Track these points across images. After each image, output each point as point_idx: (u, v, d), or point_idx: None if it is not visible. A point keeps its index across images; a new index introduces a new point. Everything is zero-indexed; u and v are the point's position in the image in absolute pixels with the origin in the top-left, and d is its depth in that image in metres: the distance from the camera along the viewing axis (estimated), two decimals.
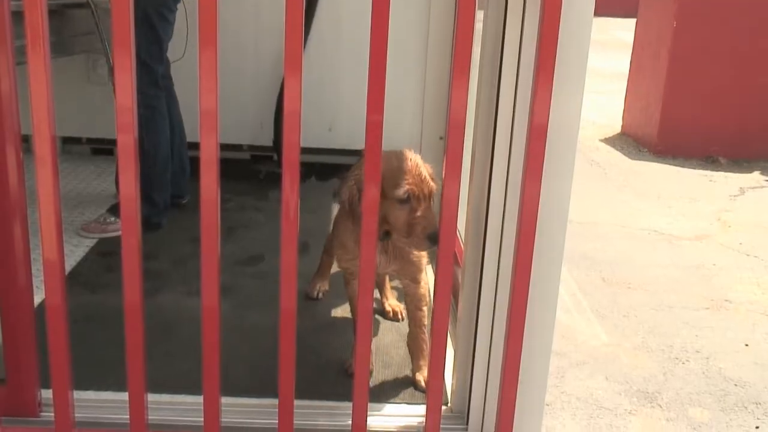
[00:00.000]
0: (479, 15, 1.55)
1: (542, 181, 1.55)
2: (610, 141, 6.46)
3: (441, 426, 1.68)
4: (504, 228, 1.68)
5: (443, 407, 1.75)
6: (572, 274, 3.50)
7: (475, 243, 1.74)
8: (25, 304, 1.68)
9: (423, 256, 2.05)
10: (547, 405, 2.37)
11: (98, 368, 1.97)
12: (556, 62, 1.49)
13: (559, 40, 1.47)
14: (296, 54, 1.44)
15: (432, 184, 1.87)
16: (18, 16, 1.50)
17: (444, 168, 1.54)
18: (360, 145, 4.27)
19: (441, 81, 2.99)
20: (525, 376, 1.67)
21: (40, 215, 1.51)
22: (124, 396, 1.63)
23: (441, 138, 3.02)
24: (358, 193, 1.89)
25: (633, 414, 2.40)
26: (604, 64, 9.45)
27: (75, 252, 2.85)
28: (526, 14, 1.56)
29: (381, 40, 1.44)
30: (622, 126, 6.70)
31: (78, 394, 1.69)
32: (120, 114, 1.49)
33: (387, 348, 2.26)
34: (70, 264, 2.72)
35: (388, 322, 2.43)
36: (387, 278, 2.49)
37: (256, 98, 4.13)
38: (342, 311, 2.47)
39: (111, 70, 2.98)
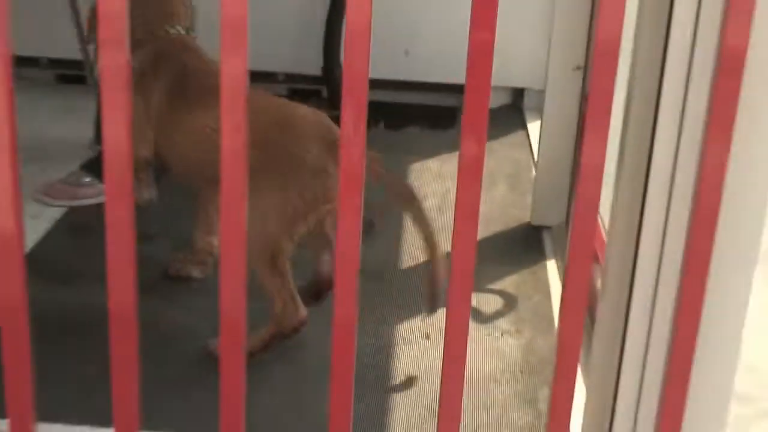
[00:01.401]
0: None
1: (732, 140, 1.53)
2: None
3: None
4: (670, 210, 1.67)
5: None
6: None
7: (625, 232, 1.73)
8: None
9: None
10: None
11: (72, 392, 2.04)
12: None
13: None
14: None
15: None
16: None
17: (587, 117, 1.54)
18: (450, 76, 4.33)
19: None
20: (691, 428, 1.67)
21: None
22: None
23: (578, 68, 2.98)
24: None
25: None
26: None
27: (34, 226, 2.94)
28: None
29: None
30: None
31: (43, 428, 1.75)
32: (103, 25, 1.51)
33: (485, 381, 2.28)
34: (27, 244, 2.80)
35: (489, 341, 2.44)
36: None
37: (297, 9, 4.17)
38: (420, 323, 2.50)
39: None
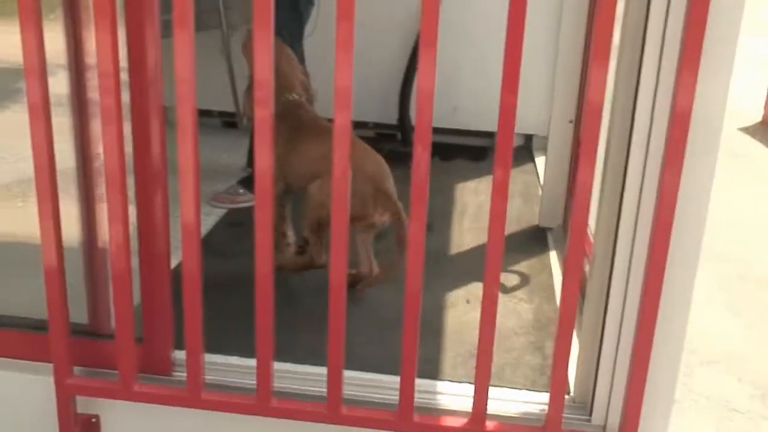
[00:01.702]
0: None
1: (682, 172, 1.49)
2: (750, 131, 6.15)
3: (563, 415, 1.67)
4: (638, 219, 1.63)
5: (566, 396, 1.73)
6: (707, 269, 3.36)
7: (606, 233, 1.69)
8: (162, 268, 1.77)
9: None
10: (675, 402, 2.30)
11: (226, 334, 2.06)
12: (704, 43, 1.42)
13: (708, 18, 1.41)
14: (432, 30, 1.44)
15: None
16: None
17: (580, 154, 1.51)
18: (484, 125, 4.29)
19: (572, 60, 2.92)
20: (654, 371, 1.63)
21: (181, 184, 1.58)
22: (252, 362, 1.70)
23: (570, 122, 2.95)
24: None
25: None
26: (745, 48, 8.97)
27: (206, 221, 2.97)
28: None
29: (519, 17, 1.42)
30: (764, 116, 6.35)
31: (208, 357, 1.77)
32: (258, 89, 1.54)
33: (507, 333, 2.25)
34: (201, 232, 2.84)
35: (510, 305, 2.42)
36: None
37: (382, 74, 4.17)
38: (463, 292, 2.48)
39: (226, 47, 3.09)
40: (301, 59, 3.16)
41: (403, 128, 4.21)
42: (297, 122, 2.58)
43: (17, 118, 1.83)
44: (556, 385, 1.65)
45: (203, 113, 4.35)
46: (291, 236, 2.69)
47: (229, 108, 3.92)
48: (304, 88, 2.73)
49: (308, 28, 3.15)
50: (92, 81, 1.69)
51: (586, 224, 1.57)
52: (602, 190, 1.69)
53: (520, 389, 1.96)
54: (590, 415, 1.78)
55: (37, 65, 1.55)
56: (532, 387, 1.97)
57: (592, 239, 1.83)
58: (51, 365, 1.76)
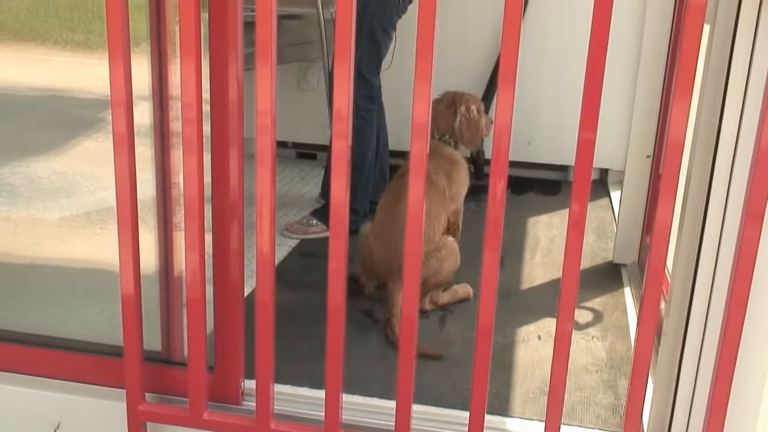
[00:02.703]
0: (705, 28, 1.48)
1: (766, 211, 1.45)
2: None
3: None
4: (719, 258, 1.58)
5: None
6: None
7: (684, 272, 1.65)
8: (236, 297, 1.79)
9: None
10: None
11: (295, 364, 2.07)
12: None
13: None
14: (511, 66, 1.44)
15: None
16: (248, 26, 1.62)
17: (660, 190, 1.48)
18: (558, 159, 4.26)
19: (651, 95, 2.87)
20: (732, 415, 1.57)
21: (257, 213, 1.60)
22: (320, 393, 1.71)
23: (648, 156, 2.89)
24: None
25: None
26: None
27: (278, 251, 3.00)
28: (759, 27, 1.46)
29: (600, 54, 1.41)
30: None
31: (277, 387, 1.78)
32: (336, 121, 1.55)
33: (579, 371, 2.20)
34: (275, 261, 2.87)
35: (582, 343, 2.37)
36: None
37: None
38: (534, 328, 2.44)
39: (328, 78, 3.15)
40: (378, 93, 3.19)
41: (476, 163, 4.20)
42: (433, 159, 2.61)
43: (100, 147, 1.90)
44: (630, 425, 1.61)
45: (278, 144, 4.47)
46: None
47: (304, 139, 4.00)
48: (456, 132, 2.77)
49: (386, 62, 3.17)
50: (175, 112, 1.73)
51: (664, 262, 1.53)
52: (681, 228, 1.65)
53: (592, 428, 1.91)
54: None
55: (124, 96, 1.60)
56: (604, 426, 1.92)
57: (668, 277, 1.78)
58: (124, 391, 1.80)
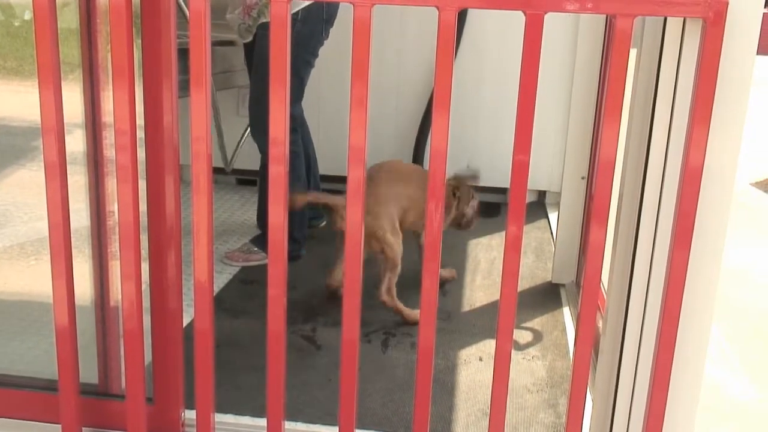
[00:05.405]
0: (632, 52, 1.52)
1: (694, 228, 1.49)
2: (763, 185, 6.13)
3: None
4: (651, 274, 1.62)
5: None
6: (720, 324, 3.32)
7: (619, 289, 1.68)
8: (175, 327, 1.76)
9: None
10: None
11: (237, 392, 2.04)
12: (714, 102, 1.43)
13: (718, 78, 1.42)
14: (445, 92, 1.46)
15: None
16: (181, 53, 1.61)
17: (592, 210, 1.51)
18: (496, 181, 4.27)
19: (584, 118, 2.94)
20: (668, 429, 1.60)
21: (195, 241, 1.58)
22: (262, 422, 1.68)
23: (582, 178, 2.96)
24: None
25: None
26: (757, 104, 9.00)
27: (218, 278, 2.97)
28: (683, 49, 1.51)
29: (531, 79, 1.44)
30: None
31: (218, 417, 1.75)
32: (272, 146, 1.55)
33: (521, 390, 2.22)
34: (214, 289, 2.83)
35: (523, 363, 2.39)
36: None
37: (396, 133, 4.20)
38: (475, 350, 2.45)
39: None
40: (301, 119, 3.17)
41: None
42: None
43: (34, 176, 1.85)
44: None
45: (217, 170, 4.41)
46: None
47: (244, 166, 3.95)
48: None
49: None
50: (109, 139, 1.71)
51: (599, 281, 1.56)
52: (615, 246, 1.69)
53: None
54: None
55: (55, 124, 1.57)
56: None
57: (605, 295, 1.82)
58: (59, 426, 1.74)
